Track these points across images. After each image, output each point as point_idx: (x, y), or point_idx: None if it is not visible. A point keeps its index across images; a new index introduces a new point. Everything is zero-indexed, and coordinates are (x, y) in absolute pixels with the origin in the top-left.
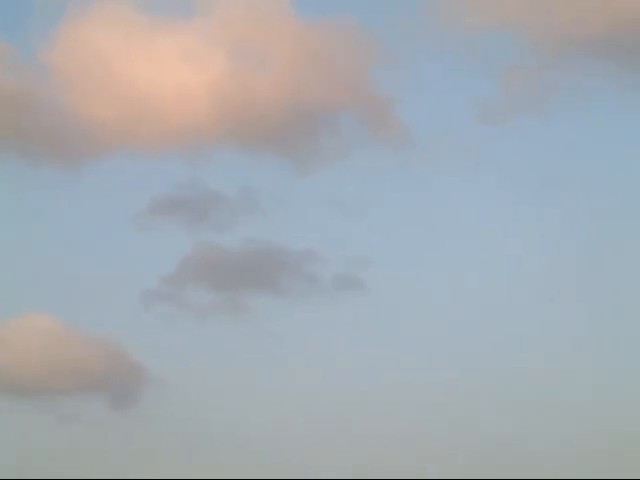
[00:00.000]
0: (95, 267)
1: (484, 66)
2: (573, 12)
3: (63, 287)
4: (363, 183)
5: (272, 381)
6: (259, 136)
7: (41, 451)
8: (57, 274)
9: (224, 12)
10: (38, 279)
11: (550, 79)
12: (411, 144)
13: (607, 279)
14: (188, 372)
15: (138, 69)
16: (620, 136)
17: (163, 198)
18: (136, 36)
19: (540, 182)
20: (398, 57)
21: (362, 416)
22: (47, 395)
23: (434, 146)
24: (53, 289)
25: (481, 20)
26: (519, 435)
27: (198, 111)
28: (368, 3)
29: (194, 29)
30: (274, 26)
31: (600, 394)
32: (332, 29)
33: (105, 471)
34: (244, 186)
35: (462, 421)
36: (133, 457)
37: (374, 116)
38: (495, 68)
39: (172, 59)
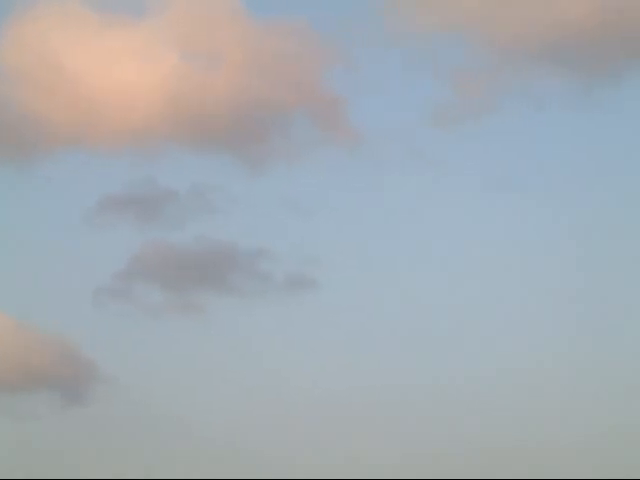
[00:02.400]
0: (46, 264)
1: (436, 68)
2: (523, 14)
3: (14, 284)
4: (315, 183)
5: (224, 380)
6: (211, 135)
7: None
8: (8, 271)
9: (176, 11)
10: None
11: (501, 81)
12: (363, 145)
13: (555, 279)
14: (139, 370)
15: (89, 67)
16: (570, 138)
17: (115, 196)
18: (87, 34)
19: (490, 184)
20: (350, 58)
21: (313, 414)
22: None
23: (385, 147)
24: (4, 287)
25: (433, 22)
26: (473, 436)
27: (150, 109)
28: (321, 4)
29: (145, 28)
30: (226, 26)
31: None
32: (285, 29)
33: (55, 469)
34: (196, 185)
35: (411, 421)
36: (84, 455)
37: (326, 116)
38: (446, 70)
39: (123, 57)
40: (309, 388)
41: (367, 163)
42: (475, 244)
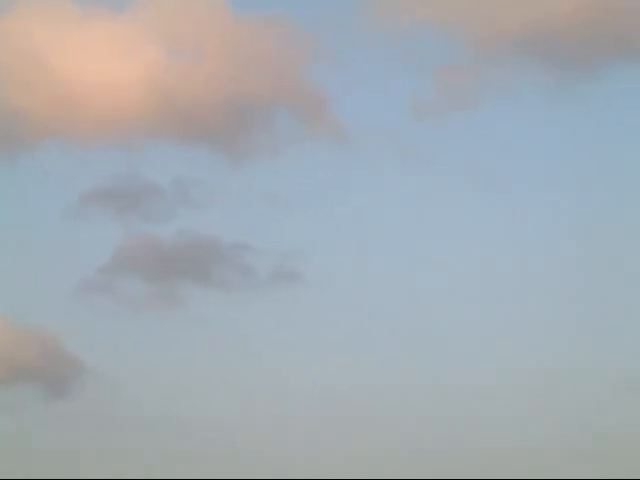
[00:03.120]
0: (29, 258)
1: (418, 63)
2: (504, 10)
3: None
4: (298, 177)
5: (207, 373)
6: (194, 129)
7: None
8: None
9: (159, 5)
10: None
11: (483, 76)
12: (345, 140)
13: (539, 275)
14: (123, 363)
15: (72, 60)
16: (550, 132)
17: (98, 190)
18: (70, 27)
19: (473, 178)
20: (333, 53)
21: (296, 408)
22: None
23: (368, 142)
24: None
25: (415, 18)
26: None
27: (133, 103)
28: (305, 1)
29: (128, 22)
30: (210, 20)
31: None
32: (268, 24)
33: (40, 462)
34: (179, 178)
35: (392, 417)
36: (68, 448)
37: (309, 111)
38: (429, 65)
39: (106, 51)
40: (294, 382)
41: (350, 158)
42: (459, 239)
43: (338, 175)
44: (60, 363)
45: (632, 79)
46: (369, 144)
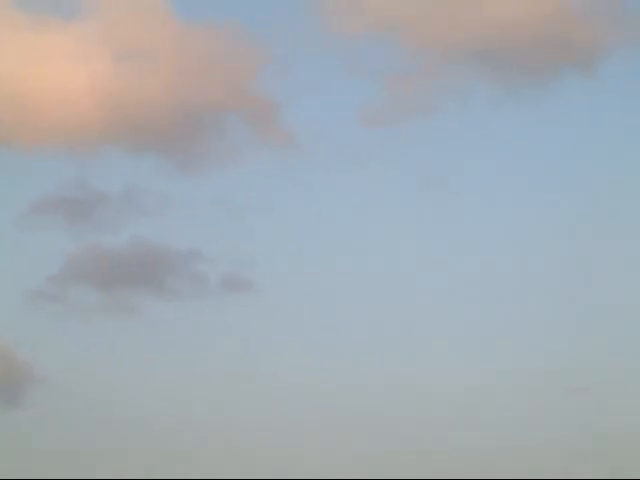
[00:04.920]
0: None
1: (368, 69)
2: (454, 17)
3: None
4: (249, 184)
5: (158, 381)
6: (144, 137)
7: None
8: None
9: (108, 14)
10: None
11: (432, 83)
12: (296, 146)
13: (488, 278)
14: (74, 372)
15: (20, 68)
16: (498, 138)
17: (48, 198)
18: (18, 35)
19: (422, 183)
20: (283, 60)
21: (245, 416)
22: None
23: (319, 148)
24: None
25: (365, 24)
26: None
27: (83, 111)
28: (253, 6)
29: (77, 30)
30: (159, 28)
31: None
32: (217, 31)
33: None
34: (129, 187)
35: (349, 422)
36: (19, 456)
37: (260, 118)
38: (379, 71)
39: (56, 58)
40: (245, 388)
41: (301, 164)
42: (409, 242)
43: (289, 182)
44: (11, 373)
45: (579, 86)
46: (319, 150)
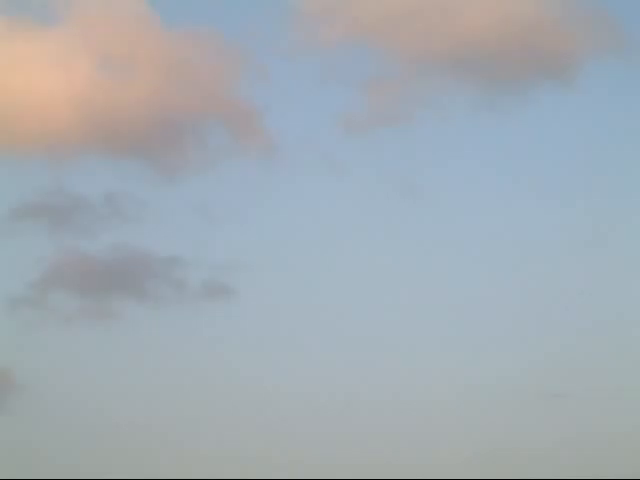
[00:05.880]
0: None
1: (347, 77)
2: (432, 26)
3: None
4: (229, 191)
5: (139, 386)
6: (125, 143)
7: None
8: None
9: (89, 19)
10: None
11: (410, 91)
12: (276, 154)
13: (468, 285)
14: (55, 377)
15: (0, 74)
16: (475, 146)
17: (26, 204)
18: None
19: (401, 190)
20: (264, 68)
21: (227, 421)
22: None
23: (299, 156)
24: None
25: (344, 32)
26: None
27: (63, 118)
28: (234, 15)
29: (57, 35)
30: (140, 34)
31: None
32: (199, 39)
33: None
34: (109, 193)
35: (337, 426)
36: (2, 463)
37: (240, 126)
38: (358, 80)
39: (36, 64)
40: (226, 395)
41: (280, 171)
42: (388, 249)
43: (269, 188)
44: None
45: (556, 95)
46: (299, 158)
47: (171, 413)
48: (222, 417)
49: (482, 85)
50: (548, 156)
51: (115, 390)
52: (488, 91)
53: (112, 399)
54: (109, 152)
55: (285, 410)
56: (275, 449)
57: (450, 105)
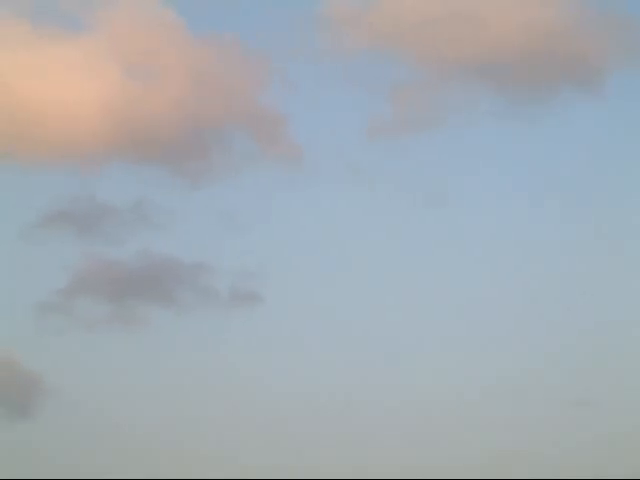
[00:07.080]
0: None
1: (372, 84)
2: (458, 31)
3: None
4: (254, 198)
5: (167, 393)
6: (151, 150)
7: None
8: None
9: (116, 27)
10: None
11: (436, 97)
12: (301, 160)
13: (495, 294)
14: (83, 383)
15: (28, 81)
16: (504, 152)
17: (55, 211)
18: (26, 48)
19: (427, 197)
20: (290, 75)
21: (259, 428)
22: None
23: (324, 162)
24: None
25: (370, 38)
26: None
27: (90, 124)
28: (260, 21)
29: (85, 43)
30: (167, 42)
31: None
32: (225, 46)
33: None
34: (136, 200)
35: (355, 434)
36: (32, 467)
37: (265, 132)
38: (383, 86)
39: (63, 72)
40: (255, 401)
41: (305, 178)
42: (414, 257)
43: (294, 195)
44: (20, 385)
45: (582, 102)
46: (325, 165)
47: (197, 420)
48: (249, 425)
49: (508, 92)
50: (575, 162)
51: (141, 395)
52: (514, 98)
53: (138, 404)
54: (136, 159)
55: (311, 417)
56: (300, 456)
57: (476, 111)
